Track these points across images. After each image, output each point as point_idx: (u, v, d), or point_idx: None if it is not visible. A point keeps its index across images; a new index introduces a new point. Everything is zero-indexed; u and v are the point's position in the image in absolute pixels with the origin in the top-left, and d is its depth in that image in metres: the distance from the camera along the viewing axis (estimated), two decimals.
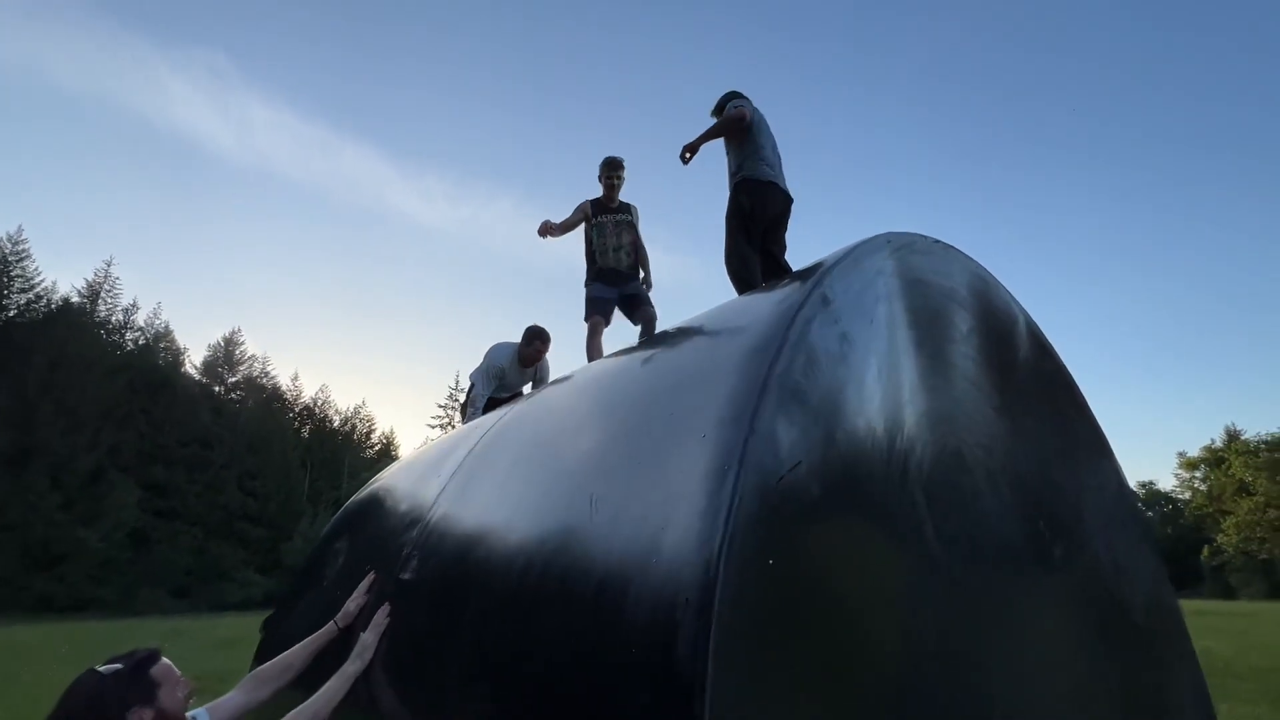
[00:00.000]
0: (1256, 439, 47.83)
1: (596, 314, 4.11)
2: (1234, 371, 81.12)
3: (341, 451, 52.55)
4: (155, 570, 33.37)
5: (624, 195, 4.31)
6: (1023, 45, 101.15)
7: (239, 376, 48.78)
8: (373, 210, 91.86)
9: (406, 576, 2.02)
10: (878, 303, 1.70)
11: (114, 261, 42.55)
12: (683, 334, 2.17)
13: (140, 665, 1.48)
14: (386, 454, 59.72)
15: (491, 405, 4.42)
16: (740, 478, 1.13)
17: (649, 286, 4.29)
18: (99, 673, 1.43)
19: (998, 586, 1.61)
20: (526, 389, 4.59)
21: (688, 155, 3.16)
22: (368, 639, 1.84)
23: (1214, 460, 51.02)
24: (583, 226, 4.25)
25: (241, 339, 49.60)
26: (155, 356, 41.11)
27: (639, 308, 4.21)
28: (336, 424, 56.88)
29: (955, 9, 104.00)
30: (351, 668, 1.77)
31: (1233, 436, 50.47)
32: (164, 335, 43.05)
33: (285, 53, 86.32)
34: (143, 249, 78.40)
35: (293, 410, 53.10)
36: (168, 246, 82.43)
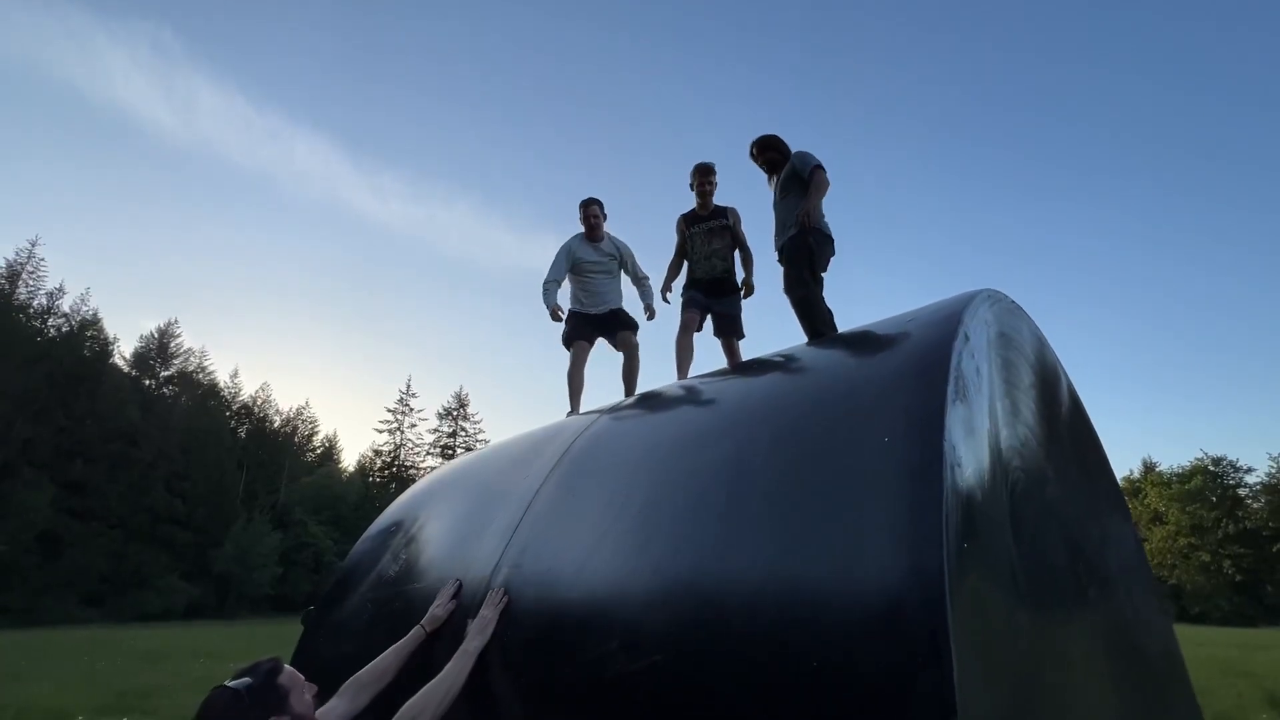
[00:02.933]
0: (1169, 471, 51.46)
1: (690, 311, 3.91)
2: (1153, 408, 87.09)
3: (281, 454, 50.23)
4: (66, 576, 30.97)
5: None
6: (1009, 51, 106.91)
7: (173, 370, 46.19)
8: (324, 205, 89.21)
9: (507, 573, 2.04)
10: (986, 347, 1.94)
11: (39, 241, 39.58)
12: (820, 353, 2.33)
13: (270, 675, 1.51)
14: (329, 458, 57.58)
15: (578, 323, 4.28)
16: (944, 473, 1.33)
17: (749, 290, 4.03)
18: (231, 688, 1.46)
19: (1054, 616, 1.71)
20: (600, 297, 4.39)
21: (807, 223, 3.25)
22: (487, 614, 1.86)
23: (1132, 491, 54.45)
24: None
25: (177, 331, 47.09)
26: (80, 345, 38.40)
27: (726, 333, 4.00)
28: (277, 425, 54.42)
29: (946, 13, 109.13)
30: (473, 644, 1.80)
31: (1149, 469, 54.08)
32: (91, 323, 40.29)
33: (238, 35, 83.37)
34: (72, 230, 73.79)
35: (230, 408, 50.51)
36: (100, 229, 77.81)
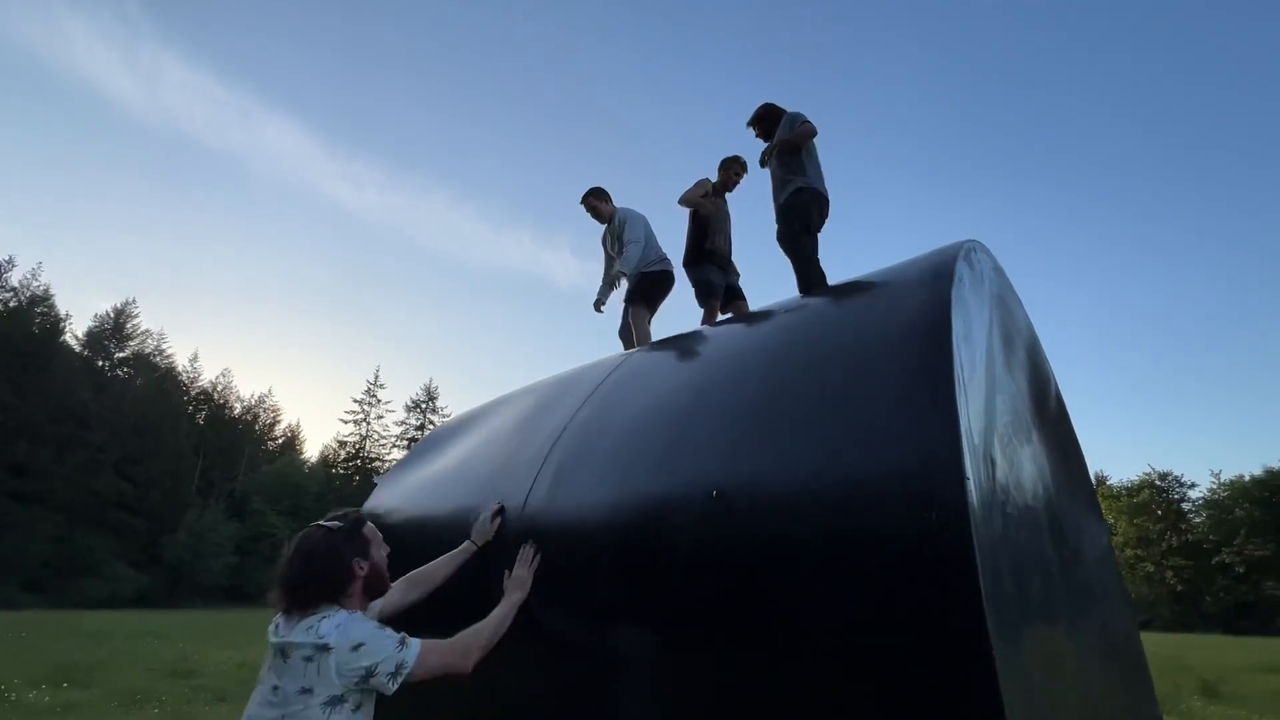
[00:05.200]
0: (1120, 485, 53.51)
1: (715, 299, 4.00)
2: (1102, 423, 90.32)
3: (240, 441, 48.82)
4: (5, 560, 29.55)
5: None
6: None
7: (128, 352, 44.64)
8: (294, 189, 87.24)
9: (545, 489, 2.22)
10: (986, 281, 2.14)
11: None
12: (830, 292, 2.52)
13: (356, 524, 1.71)
14: (291, 447, 56.15)
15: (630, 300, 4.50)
16: (955, 366, 1.54)
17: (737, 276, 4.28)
18: (326, 525, 1.67)
19: (1040, 579, 1.78)
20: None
21: (768, 159, 3.42)
22: (522, 574, 1.99)
23: None
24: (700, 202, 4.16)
25: (135, 311, 45.53)
26: (29, 321, 36.76)
27: (735, 300, 4.16)
28: (237, 412, 52.95)
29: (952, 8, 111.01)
30: (515, 598, 1.93)
31: (1100, 482, 56.07)
32: (42, 299, 38.63)
33: (209, 9, 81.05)
34: (23, 201, 70.71)
35: (188, 393, 48.96)
36: (55, 202, 74.79)
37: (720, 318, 3.94)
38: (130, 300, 45.61)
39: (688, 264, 4.15)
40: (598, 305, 4.64)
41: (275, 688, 1.51)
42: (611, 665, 1.76)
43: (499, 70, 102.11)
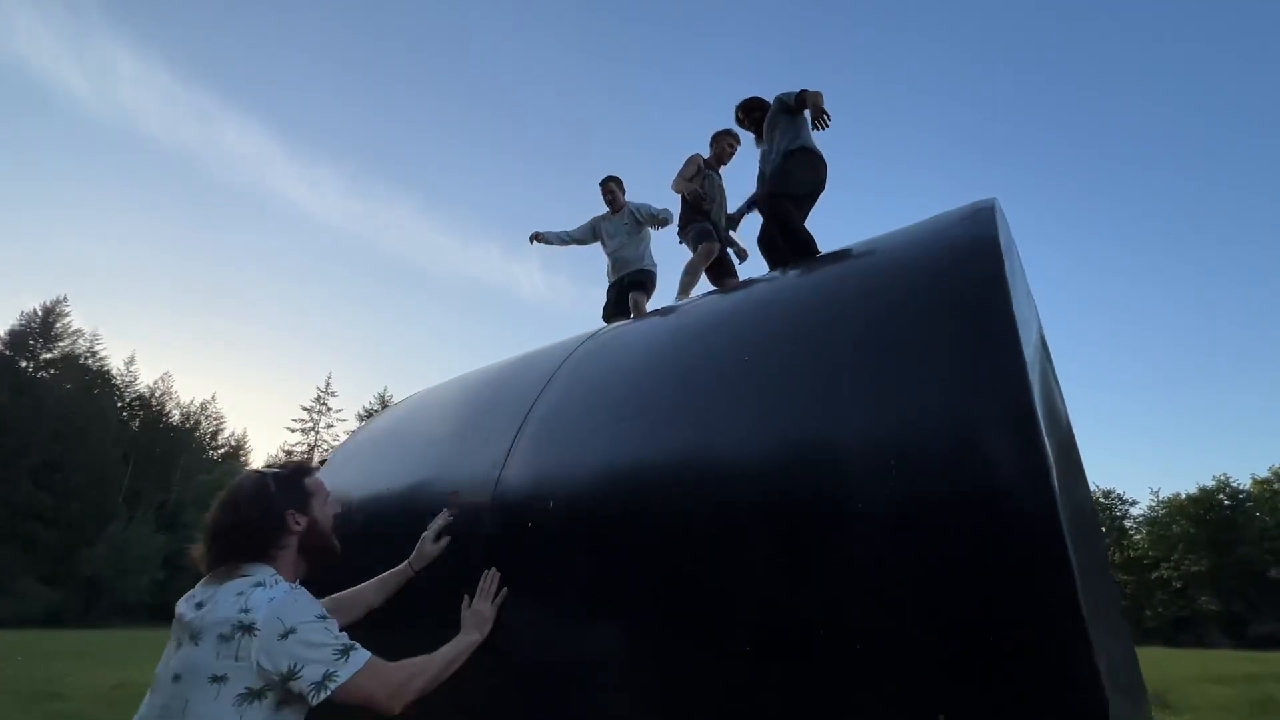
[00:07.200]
0: None
1: (713, 241, 3.85)
2: None
3: (177, 450, 46.29)
4: None
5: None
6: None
7: (56, 353, 41.97)
8: (250, 191, 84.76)
9: (513, 471, 1.98)
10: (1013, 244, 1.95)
11: None
12: (843, 255, 2.23)
13: (297, 473, 1.50)
14: (235, 458, 53.58)
15: (608, 296, 4.46)
16: (1015, 324, 1.37)
17: (743, 258, 4.25)
18: (260, 471, 1.48)
19: (1091, 565, 1.59)
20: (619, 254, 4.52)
21: (822, 124, 3.11)
22: (484, 611, 1.67)
23: None
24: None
25: (66, 310, 43.00)
26: None
27: (727, 278, 4.05)
28: (176, 419, 50.32)
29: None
30: (472, 638, 1.60)
31: None
32: None
33: (167, 5, 78.58)
34: None
35: (122, 398, 46.34)
36: None
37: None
38: (61, 298, 43.08)
39: (682, 228, 4.07)
40: (534, 238, 4.67)
41: (177, 676, 1.20)
42: (605, 647, 1.56)
43: (475, 82, 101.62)
